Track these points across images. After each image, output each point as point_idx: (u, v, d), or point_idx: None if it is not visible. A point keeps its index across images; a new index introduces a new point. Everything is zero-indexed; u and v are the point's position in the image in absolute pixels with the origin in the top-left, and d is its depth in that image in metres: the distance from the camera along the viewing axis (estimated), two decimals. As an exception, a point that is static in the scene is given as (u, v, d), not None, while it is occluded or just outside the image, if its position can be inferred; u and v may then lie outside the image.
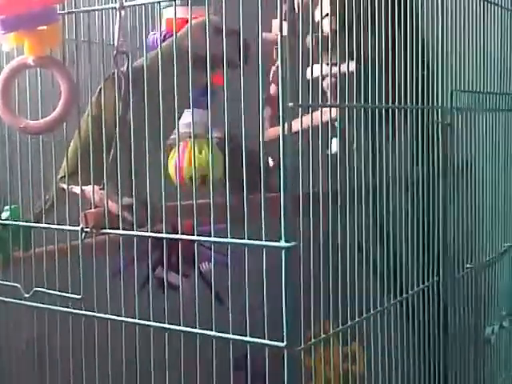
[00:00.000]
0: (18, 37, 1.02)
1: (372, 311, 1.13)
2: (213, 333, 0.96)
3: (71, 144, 1.13)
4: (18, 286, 1.14)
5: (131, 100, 1.01)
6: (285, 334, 0.89)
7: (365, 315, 1.11)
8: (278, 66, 0.87)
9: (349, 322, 1.06)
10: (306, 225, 0.94)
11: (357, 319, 1.08)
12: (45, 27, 1.02)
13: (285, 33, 0.87)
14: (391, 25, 1.15)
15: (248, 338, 0.93)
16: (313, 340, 0.98)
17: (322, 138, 0.98)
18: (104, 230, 1.05)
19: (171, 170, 1.24)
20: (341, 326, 1.04)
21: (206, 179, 1.13)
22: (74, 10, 1.05)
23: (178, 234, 0.99)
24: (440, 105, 1.31)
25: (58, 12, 1.04)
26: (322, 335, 1.01)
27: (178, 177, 1.15)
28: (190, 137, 1.17)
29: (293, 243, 0.88)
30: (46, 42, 1.04)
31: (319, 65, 0.99)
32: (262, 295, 0.91)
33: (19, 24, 1.00)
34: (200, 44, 0.93)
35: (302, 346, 0.94)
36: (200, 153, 1.23)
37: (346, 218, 1.04)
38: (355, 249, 1.09)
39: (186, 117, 1.12)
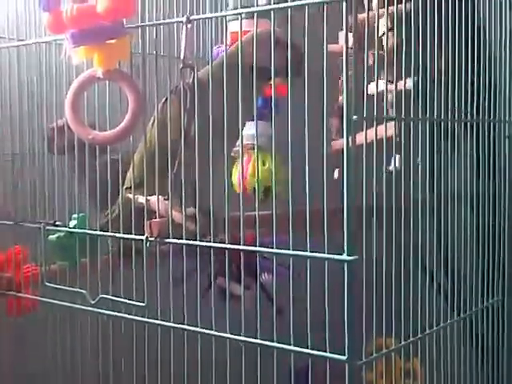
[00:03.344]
0: (88, 50, 1.05)
1: (434, 328, 1.11)
2: (274, 344, 0.96)
3: (137, 155, 1.15)
4: (85, 292, 1.16)
5: (196, 112, 1.02)
6: (346, 347, 0.88)
7: (427, 331, 1.09)
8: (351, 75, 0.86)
9: (411, 338, 1.04)
10: (369, 239, 0.94)
11: (419, 335, 1.06)
12: (114, 41, 1.05)
13: (350, 44, 0.87)
14: (457, 37, 1.14)
15: (309, 350, 0.93)
16: (374, 354, 0.97)
17: (386, 152, 0.97)
18: (168, 240, 1.07)
19: (235, 180, 1.25)
20: (403, 342, 1.03)
21: (270, 191, 1.13)
22: (141, 23, 1.08)
23: (239, 244, 1.00)
24: (508, 118, 1.29)
25: (126, 26, 1.07)
26: (384, 350, 0.99)
27: (241, 188, 1.16)
28: (252, 148, 1.19)
29: (355, 256, 0.87)
30: (115, 55, 1.06)
31: (382, 80, 0.98)
32: (324, 308, 0.91)
33: (89, 38, 1.03)
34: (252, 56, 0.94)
35: (364, 360, 0.93)
36: (264, 165, 1.24)
37: (408, 233, 1.03)
38: (418, 265, 1.08)
39: (249, 128, 1.13)
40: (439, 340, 1.13)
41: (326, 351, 0.91)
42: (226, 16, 1.00)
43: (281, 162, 1.06)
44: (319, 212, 0.90)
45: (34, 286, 1.25)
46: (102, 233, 1.16)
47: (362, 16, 0.93)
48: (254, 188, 1.19)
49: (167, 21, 1.07)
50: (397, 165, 1.10)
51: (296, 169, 0.93)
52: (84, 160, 1.13)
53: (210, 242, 1.02)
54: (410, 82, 1.00)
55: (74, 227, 1.20)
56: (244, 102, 0.96)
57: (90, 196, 1.17)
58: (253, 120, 0.99)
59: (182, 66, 1.04)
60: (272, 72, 0.94)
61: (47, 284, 1.21)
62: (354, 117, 0.87)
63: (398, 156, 1.08)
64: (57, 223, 1.21)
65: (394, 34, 0.98)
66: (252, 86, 0.94)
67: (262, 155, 1.21)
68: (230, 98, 0.96)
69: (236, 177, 1.25)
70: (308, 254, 0.92)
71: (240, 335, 1.00)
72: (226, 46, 1.03)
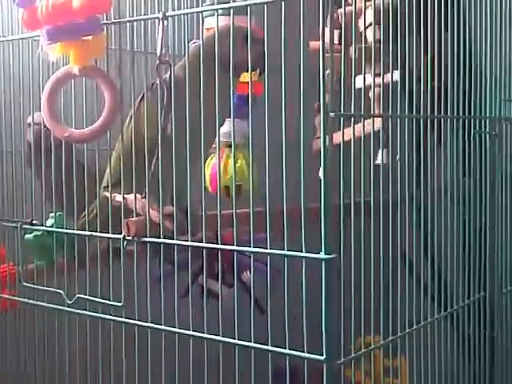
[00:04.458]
0: (64, 47, 1.04)
1: (416, 325, 1.11)
2: (251, 344, 0.95)
3: (114, 153, 1.13)
4: (62, 292, 1.15)
5: (173, 109, 1.01)
6: (324, 347, 0.87)
7: (408, 330, 1.08)
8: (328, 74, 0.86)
9: (390, 337, 1.04)
10: (348, 236, 0.93)
11: (399, 334, 1.06)
12: (89, 37, 1.04)
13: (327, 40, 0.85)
14: (439, 34, 1.13)
15: (287, 351, 0.92)
16: (353, 354, 0.96)
17: (365, 148, 0.96)
18: (145, 239, 1.06)
19: (207, 179, 1.24)
20: (382, 341, 1.02)
21: (241, 189, 1.12)
22: (117, 20, 1.06)
23: (217, 243, 0.98)
24: (488, 115, 1.29)
25: (102, 22, 1.05)
26: (363, 349, 0.99)
27: (212, 185, 1.15)
28: (226, 146, 1.18)
29: (333, 255, 0.86)
30: (90, 51, 1.05)
31: (362, 75, 0.97)
32: (302, 307, 0.90)
33: (64, 34, 1.02)
34: (222, 50, 0.94)
35: (342, 359, 0.93)
36: (236, 162, 1.22)
37: (389, 229, 1.02)
38: (400, 261, 1.07)
39: (224, 126, 1.12)
40: (421, 337, 1.12)
41: (304, 351, 0.90)
42: (202, 12, 0.99)
43: (254, 160, 1.04)
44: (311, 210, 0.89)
45: (11, 286, 1.23)
46: (79, 232, 1.14)
47: (341, 11, 0.92)
48: (226, 186, 1.18)
49: (143, 17, 1.06)
50: (384, 160, 1.09)
51: (273, 167, 0.92)
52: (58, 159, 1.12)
53: (187, 240, 1.01)
54: (387, 78, 0.99)
55: (51, 226, 1.19)
56: (212, 99, 0.95)
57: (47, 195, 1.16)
58: (228, 117, 0.98)
59: (158, 62, 1.03)
60: (249, 68, 0.93)
61: (25, 284, 1.19)
62: (332, 114, 0.86)
63: (385, 150, 1.07)
64: (34, 222, 1.20)
65: (372, 29, 0.97)
66: (220, 82, 0.93)
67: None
68: (200, 94, 0.95)
69: (208, 175, 1.23)
70: (285, 252, 0.91)
71: (218, 335, 0.99)
72: (202, 42, 1.01)
